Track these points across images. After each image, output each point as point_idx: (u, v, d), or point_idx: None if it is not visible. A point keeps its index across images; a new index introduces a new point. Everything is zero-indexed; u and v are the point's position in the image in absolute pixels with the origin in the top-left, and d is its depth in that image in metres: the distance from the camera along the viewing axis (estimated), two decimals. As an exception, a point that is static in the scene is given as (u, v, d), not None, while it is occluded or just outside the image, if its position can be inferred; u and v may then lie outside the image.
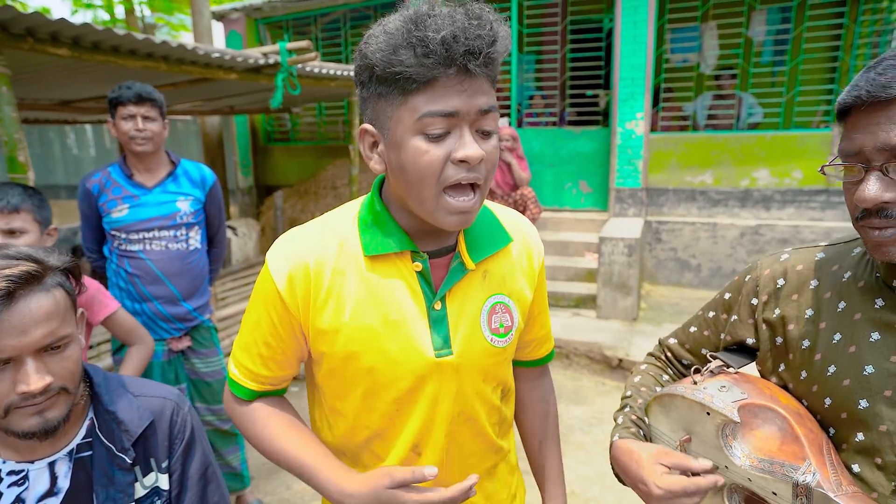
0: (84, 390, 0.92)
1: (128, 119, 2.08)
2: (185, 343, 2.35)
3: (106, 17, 11.72)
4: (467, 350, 0.85)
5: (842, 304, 0.79)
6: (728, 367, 0.90)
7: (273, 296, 0.83)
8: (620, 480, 0.95)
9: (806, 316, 0.83)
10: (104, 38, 2.20)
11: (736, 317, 0.93)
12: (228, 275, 4.17)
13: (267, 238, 6.28)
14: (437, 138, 0.71)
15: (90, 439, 0.91)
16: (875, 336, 0.75)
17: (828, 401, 0.78)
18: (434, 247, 0.84)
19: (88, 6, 11.29)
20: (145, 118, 2.09)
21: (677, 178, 5.31)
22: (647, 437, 0.95)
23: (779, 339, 0.86)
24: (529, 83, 6.75)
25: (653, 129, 5.45)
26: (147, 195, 2.18)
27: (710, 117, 5.47)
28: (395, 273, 0.83)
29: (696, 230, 5.13)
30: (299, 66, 3.23)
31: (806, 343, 0.82)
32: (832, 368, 0.78)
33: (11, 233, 1.47)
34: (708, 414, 0.80)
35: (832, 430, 0.79)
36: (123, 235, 2.17)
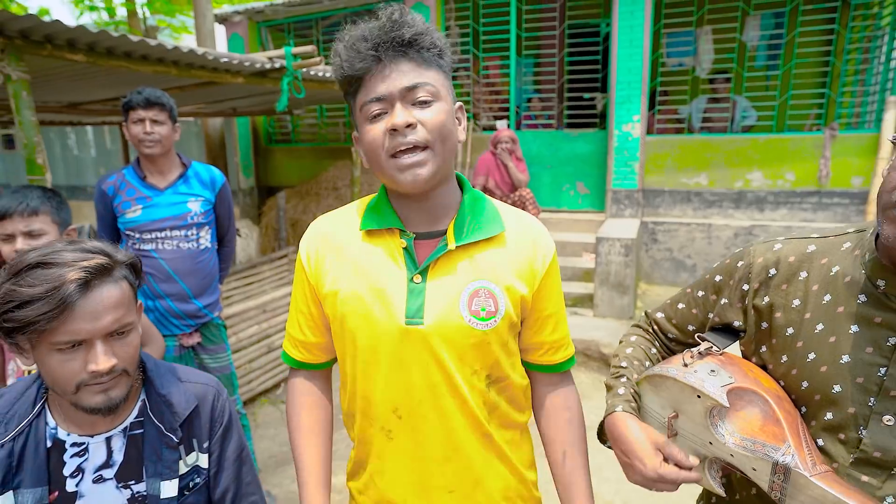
0: (138, 374, 1.00)
1: (138, 123, 2.16)
2: (196, 339, 2.43)
3: (108, 18, 11.76)
4: (440, 324, 0.90)
5: (827, 297, 0.85)
6: (714, 348, 0.95)
7: (300, 267, 1.02)
8: (601, 440, 1.04)
9: (793, 305, 0.88)
10: (118, 44, 2.27)
11: (726, 300, 0.96)
12: (232, 274, 4.24)
13: (269, 238, 6.33)
14: (375, 118, 0.88)
15: (142, 419, 0.99)
16: (854, 329, 0.81)
17: (805, 384, 0.85)
18: (425, 229, 0.96)
19: (92, 8, 11.33)
20: (154, 122, 2.17)
21: (673, 180, 5.39)
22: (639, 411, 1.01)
23: (764, 325, 0.92)
24: (528, 86, 6.84)
25: (649, 131, 5.53)
26: (159, 196, 2.25)
27: (705, 120, 5.55)
28: (384, 247, 0.95)
29: (692, 231, 5.22)
30: (304, 69, 3.32)
31: (790, 331, 0.88)
32: (812, 355, 0.85)
33: (31, 234, 1.49)
34: (699, 397, 0.86)
35: (804, 409, 0.87)
36: (137, 235, 2.24)
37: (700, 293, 1.03)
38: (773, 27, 5.92)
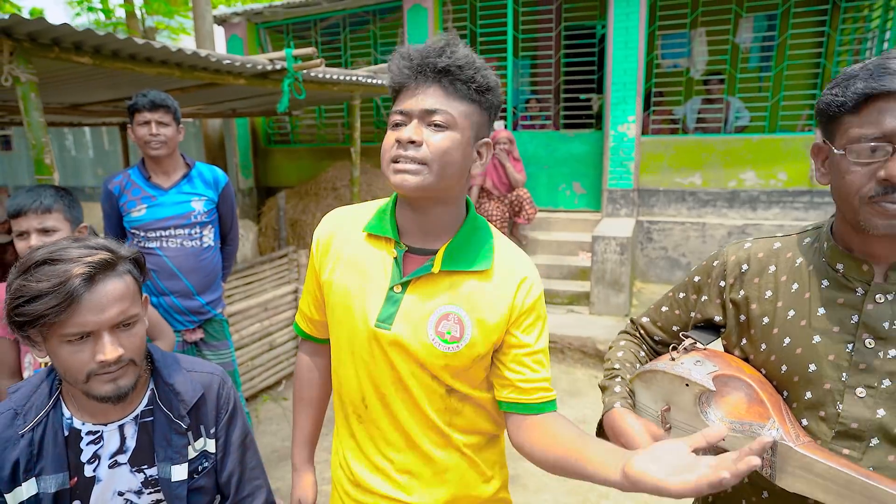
0: (146, 365, 1.05)
1: (143, 125, 2.21)
2: (199, 335, 2.48)
3: (105, 20, 11.76)
4: (405, 335, 0.98)
5: (795, 286, 0.94)
6: (699, 343, 1.03)
7: (312, 251, 1.13)
8: (600, 434, 1.09)
9: (766, 297, 0.96)
10: (123, 46, 2.32)
11: (706, 297, 1.05)
12: (234, 273, 4.29)
13: (268, 238, 6.37)
14: (395, 126, 0.95)
15: (151, 407, 1.05)
16: (821, 311, 0.90)
17: (783, 367, 0.92)
18: (419, 244, 1.01)
19: (90, 9, 11.34)
20: (159, 123, 2.22)
21: (668, 180, 5.46)
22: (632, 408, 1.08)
23: (742, 317, 1.00)
24: (525, 87, 6.90)
25: (644, 132, 5.59)
26: (164, 196, 2.30)
27: (700, 121, 5.62)
28: (379, 253, 1.03)
29: (686, 230, 5.29)
30: (304, 71, 3.37)
31: (766, 320, 0.96)
32: (787, 340, 0.92)
33: (45, 231, 1.56)
34: (687, 385, 0.92)
35: (786, 393, 0.93)
36: (142, 233, 2.29)
37: (681, 295, 1.12)
38: (765, 29, 5.99)
